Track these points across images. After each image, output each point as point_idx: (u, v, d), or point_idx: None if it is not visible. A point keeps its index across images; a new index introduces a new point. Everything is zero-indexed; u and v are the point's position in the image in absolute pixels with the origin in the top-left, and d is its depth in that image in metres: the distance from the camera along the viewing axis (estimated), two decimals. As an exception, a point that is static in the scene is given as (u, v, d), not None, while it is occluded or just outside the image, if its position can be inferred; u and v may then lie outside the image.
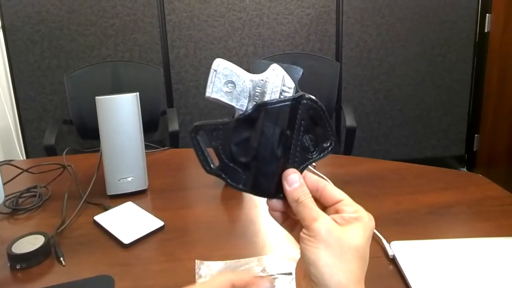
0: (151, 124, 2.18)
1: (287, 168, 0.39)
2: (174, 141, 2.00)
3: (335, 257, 0.34)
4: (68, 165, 1.07)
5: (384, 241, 0.71)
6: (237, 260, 0.69)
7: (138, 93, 0.94)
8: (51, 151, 1.80)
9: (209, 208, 0.90)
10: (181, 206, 0.91)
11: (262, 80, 0.37)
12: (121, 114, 0.92)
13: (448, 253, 0.68)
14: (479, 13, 2.62)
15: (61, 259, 0.71)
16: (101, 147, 0.93)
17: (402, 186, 0.96)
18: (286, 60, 2.40)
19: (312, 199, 0.38)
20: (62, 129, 2.40)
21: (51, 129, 1.93)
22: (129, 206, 0.88)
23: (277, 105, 0.37)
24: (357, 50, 2.59)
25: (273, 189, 0.39)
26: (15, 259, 0.69)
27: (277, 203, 0.40)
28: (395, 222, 0.80)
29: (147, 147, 1.12)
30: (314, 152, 0.40)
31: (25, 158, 2.43)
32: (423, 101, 2.73)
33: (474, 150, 2.80)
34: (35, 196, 0.94)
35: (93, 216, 0.84)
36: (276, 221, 0.42)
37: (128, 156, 0.94)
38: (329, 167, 1.07)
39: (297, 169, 0.39)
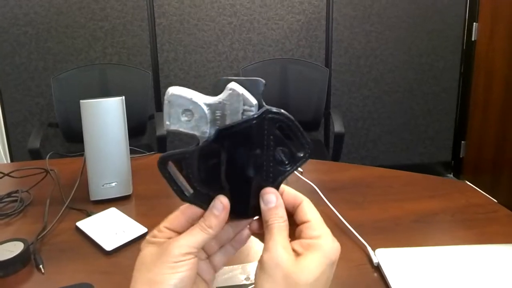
0: (139, 128, 2.17)
1: (262, 186, 0.38)
2: (161, 145, 1.98)
3: None
4: (51, 170, 1.05)
5: (369, 248, 0.71)
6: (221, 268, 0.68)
7: (123, 97, 0.93)
8: (36, 154, 1.77)
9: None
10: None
11: (220, 102, 0.35)
12: (106, 118, 0.91)
13: (432, 260, 0.68)
14: (466, 21, 2.66)
15: (41, 266, 0.69)
16: (85, 151, 0.91)
17: (388, 194, 0.96)
18: (277, 65, 2.40)
19: (281, 224, 0.37)
20: (48, 132, 2.37)
21: (36, 132, 1.91)
22: (112, 212, 0.87)
23: (240, 127, 0.35)
24: (346, 57, 2.61)
25: (250, 210, 0.38)
26: (-8, 266, 0.67)
27: (254, 225, 0.40)
28: (380, 230, 0.80)
29: (133, 151, 1.11)
30: (289, 164, 0.38)
31: (9, 161, 2.39)
32: (411, 108, 2.76)
33: (461, 156, 2.83)
34: (16, 201, 0.92)
35: (76, 222, 0.82)
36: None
37: (112, 161, 0.93)
38: (316, 174, 1.07)
39: (272, 184, 0.38)
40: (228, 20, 2.46)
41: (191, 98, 0.35)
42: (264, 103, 0.37)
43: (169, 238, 0.38)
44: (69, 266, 0.71)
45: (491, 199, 0.96)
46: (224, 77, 0.35)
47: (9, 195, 0.94)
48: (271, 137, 0.36)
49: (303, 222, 0.37)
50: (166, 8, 2.39)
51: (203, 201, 0.38)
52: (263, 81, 0.36)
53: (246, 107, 0.35)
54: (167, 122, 0.34)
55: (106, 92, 2.14)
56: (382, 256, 0.69)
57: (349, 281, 0.65)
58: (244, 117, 0.36)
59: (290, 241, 0.37)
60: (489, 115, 2.55)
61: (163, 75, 2.47)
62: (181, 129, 0.35)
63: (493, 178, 2.52)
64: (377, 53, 2.63)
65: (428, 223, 0.83)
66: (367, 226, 0.81)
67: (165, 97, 0.34)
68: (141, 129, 2.19)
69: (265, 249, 0.35)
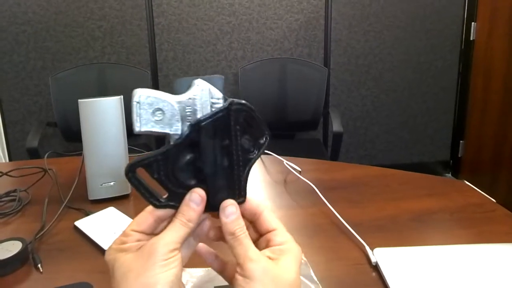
0: (138, 128, 2.16)
1: (238, 175, 0.39)
2: (160, 145, 1.98)
3: None
4: (49, 169, 1.05)
5: (367, 248, 0.71)
6: (219, 267, 0.69)
7: (122, 97, 0.93)
8: (34, 153, 1.77)
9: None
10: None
11: (190, 98, 0.36)
12: (104, 117, 0.91)
13: (430, 260, 0.68)
14: (464, 21, 2.66)
15: (39, 265, 0.69)
16: (83, 150, 0.91)
17: (386, 193, 0.96)
18: (276, 65, 2.40)
19: (247, 234, 0.38)
20: (47, 132, 2.36)
21: (34, 131, 1.91)
22: (111, 212, 0.87)
23: (211, 119, 0.37)
24: (345, 56, 2.61)
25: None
26: (-10, 265, 0.67)
27: (207, 227, 0.41)
28: (378, 229, 0.80)
29: (131, 151, 1.11)
30: (253, 152, 0.40)
31: (7, 160, 2.39)
32: (410, 107, 2.76)
33: (459, 156, 2.83)
34: (14, 200, 0.91)
35: (74, 221, 0.82)
36: (205, 260, 0.43)
37: (110, 160, 0.93)
38: (314, 173, 1.07)
39: (243, 173, 0.39)
40: (227, 20, 2.46)
41: (161, 97, 0.35)
42: (226, 97, 0.38)
43: (139, 240, 0.38)
44: (68, 265, 0.70)
45: (489, 199, 0.97)
46: (182, 78, 0.36)
47: (7, 194, 0.94)
48: (238, 127, 0.38)
49: (269, 231, 0.39)
50: (164, 8, 2.39)
51: (178, 202, 0.38)
52: (223, 76, 0.38)
53: (214, 100, 0.36)
54: (137, 124, 0.34)
55: (105, 92, 2.14)
56: (381, 255, 0.69)
57: (347, 280, 0.65)
58: (213, 109, 0.37)
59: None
60: (487, 114, 2.56)
61: (161, 74, 2.47)
62: (153, 129, 0.35)
63: (492, 177, 2.53)
64: (376, 53, 2.63)
65: (426, 222, 0.83)
66: (365, 225, 0.81)
67: (133, 99, 0.34)
68: (140, 128, 2.19)
69: (245, 259, 0.36)
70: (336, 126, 2.07)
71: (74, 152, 1.22)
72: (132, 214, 0.86)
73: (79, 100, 0.89)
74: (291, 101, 2.36)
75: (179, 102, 0.36)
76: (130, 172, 0.37)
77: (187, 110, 0.36)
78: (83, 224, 0.82)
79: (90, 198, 0.93)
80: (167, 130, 0.36)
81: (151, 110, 0.35)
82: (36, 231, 0.78)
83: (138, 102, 0.34)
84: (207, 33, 2.46)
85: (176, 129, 0.36)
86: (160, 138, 1.97)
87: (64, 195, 0.91)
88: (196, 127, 0.36)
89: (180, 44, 2.45)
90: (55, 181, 0.99)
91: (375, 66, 2.66)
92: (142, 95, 0.34)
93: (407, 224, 0.82)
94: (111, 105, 0.91)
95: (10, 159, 2.41)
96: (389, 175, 1.07)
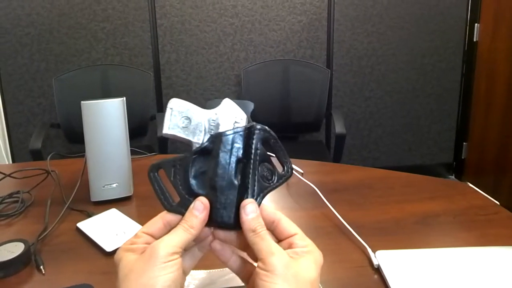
0: (140, 129, 2.17)
1: (245, 197, 0.39)
2: (162, 146, 1.99)
3: None
4: (52, 170, 1.05)
5: (369, 250, 0.71)
6: (221, 269, 0.68)
7: (124, 98, 0.93)
8: (37, 155, 1.77)
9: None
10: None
11: (216, 113, 0.39)
12: (107, 119, 0.91)
13: (433, 262, 0.68)
14: (468, 22, 2.66)
15: (41, 267, 0.69)
16: (86, 152, 0.91)
17: (389, 195, 0.96)
18: (278, 66, 2.40)
19: (268, 232, 0.38)
20: (50, 133, 2.37)
21: (37, 133, 1.91)
22: (113, 213, 0.87)
23: (231, 134, 0.38)
24: (348, 58, 2.61)
25: (233, 219, 0.39)
26: (-8, 267, 0.67)
27: (226, 234, 0.40)
28: (380, 232, 0.80)
29: (134, 152, 1.11)
30: (271, 180, 0.40)
31: (11, 162, 2.40)
32: (413, 109, 2.75)
33: (463, 158, 2.82)
34: (17, 201, 0.92)
35: (76, 223, 0.83)
36: (220, 258, 0.42)
37: (113, 162, 0.93)
38: (316, 175, 1.07)
39: (256, 197, 0.39)
40: (229, 21, 2.46)
41: (191, 108, 0.38)
42: (250, 120, 0.40)
43: (147, 243, 0.38)
44: (70, 266, 0.71)
45: (493, 201, 0.96)
46: (214, 99, 0.37)
47: (10, 195, 0.94)
48: (258, 151, 0.39)
49: (289, 236, 0.39)
50: (167, 9, 2.39)
51: (186, 209, 0.39)
52: (252, 103, 0.40)
53: (237, 119, 0.39)
54: (166, 127, 0.37)
55: (108, 93, 2.15)
56: (383, 258, 0.69)
57: (349, 283, 0.65)
58: (234, 127, 0.39)
59: None
60: (491, 116, 2.55)
61: (164, 76, 2.48)
62: (178, 134, 0.38)
63: (495, 179, 2.51)
64: (379, 54, 2.63)
65: (429, 224, 0.83)
66: (368, 227, 0.81)
67: (168, 105, 0.38)
68: (143, 130, 2.19)
69: (268, 254, 0.36)
70: (338, 127, 2.06)
71: (77, 153, 1.22)
72: (134, 216, 0.86)
73: (82, 102, 0.90)
74: (294, 102, 2.36)
75: (205, 115, 0.39)
76: (152, 171, 0.38)
77: (211, 123, 0.38)
78: (85, 225, 0.82)
79: (93, 199, 0.93)
80: (190, 138, 0.38)
81: (180, 117, 0.38)
82: (38, 232, 0.79)
83: (171, 108, 0.38)
84: (210, 34, 2.46)
85: (198, 138, 0.39)
86: (163, 142, 1.97)
87: (66, 196, 0.91)
88: (215, 138, 0.38)
89: (183, 46, 2.46)
90: (58, 183, 0.99)
91: (378, 67, 2.66)
92: (176, 103, 0.38)
93: (410, 227, 0.82)
94: (114, 106, 0.92)
95: (13, 161, 2.42)
96: (392, 177, 1.06)
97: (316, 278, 0.37)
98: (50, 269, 0.70)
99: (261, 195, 0.39)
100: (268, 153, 0.40)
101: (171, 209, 0.39)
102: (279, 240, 0.40)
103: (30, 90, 2.36)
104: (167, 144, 2.01)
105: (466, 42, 2.69)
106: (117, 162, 0.93)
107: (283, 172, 0.41)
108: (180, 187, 0.38)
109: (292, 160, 1.18)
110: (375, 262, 0.68)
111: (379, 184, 1.03)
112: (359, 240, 0.74)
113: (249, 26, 2.49)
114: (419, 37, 2.64)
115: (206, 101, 2.55)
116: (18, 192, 0.95)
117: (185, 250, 0.41)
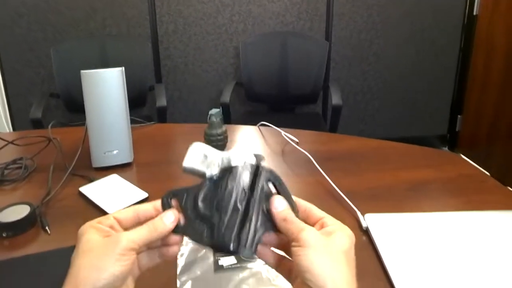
0: (139, 99, 2.18)
1: (251, 230, 0.42)
2: (161, 116, 2.00)
3: (326, 259, 0.37)
4: (53, 138, 1.08)
5: (358, 213, 0.74)
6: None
7: (123, 68, 0.95)
8: (37, 124, 1.79)
9: (194, 181, 0.92)
10: (166, 179, 0.93)
11: (230, 155, 0.44)
12: (106, 88, 0.93)
13: (420, 225, 0.71)
14: (468, -5, 2.63)
15: (47, 228, 0.72)
16: (87, 120, 0.93)
17: (383, 164, 0.99)
18: (277, 38, 2.39)
19: (296, 217, 0.41)
20: (49, 103, 2.38)
21: (37, 102, 1.92)
22: (114, 178, 0.90)
23: (239, 168, 0.43)
24: (347, 31, 2.59)
25: (232, 241, 0.41)
26: (1, 227, 0.71)
27: (270, 236, 0.43)
28: (372, 197, 0.83)
29: (134, 121, 1.13)
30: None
31: (11, 131, 2.41)
32: (411, 82, 2.76)
33: (457, 130, 2.85)
34: (20, 167, 0.95)
35: (78, 187, 0.86)
36: (269, 264, 0.44)
37: (113, 129, 0.95)
38: (312, 144, 1.09)
39: (257, 230, 0.42)
40: (228, -8, 2.43)
41: (209, 148, 0.45)
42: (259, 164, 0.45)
43: (111, 226, 0.41)
44: (73, 227, 0.72)
45: (481, 170, 0.99)
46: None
47: (14, 162, 0.97)
48: (263, 189, 0.43)
49: (319, 219, 0.42)
50: (165, -21, 2.36)
51: (191, 231, 0.43)
52: (264, 157, 0.46)
53: (247, 160, 0.44)
54: (187, 161, 0.44)
55: (106, 64, 2.15)
56: (371, 220, 0.72)
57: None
58: (244, 164, 0.44)
59: None
60: (487, 90, 2.55)
61: (162, 47, 2.46)
62: (195, 167, 0.44)
63: (487, 151, 2.55)
64: (379, 28, 2.61)
65: (420, 191, 0.86)
66: (360, 193, 0.84)
67: (192, 146, 0.45)
68: (142, 100, 2.20)
69: (300, 231, 0.39)
70: (335, 99, 2.08)
71: (77, 122, 1.24)
72: (135, 181, 0.89)
73: (82, 71, 0.91)
74: (292, 74, 2.36)
75: (220, 155, 0.45)
76: (166, 197, 0.43)
77: (224, 161, 0.44)
78: (88, 190, 0.85)
79: (94, 165, 0.96)
80: (205, 171, 0.44)
81: (198, 154, 0.44)
82: (42, 196, 0.82)
83: (194, 147, 0.45)
84: (208, 5, 2.44)
85: (211, 170, 0.44)
86: (162, 112, 1.99)
87: (68, 163, 0.94)
88: (225, 170, 0.43)
89: (181, 16, 2.43)
90: (60, 150, 1.02)
91: (377, 41, 2.64)
92: (197, 144, 0.45)
93: (401, 193, 0.85)
94: (113, 76, 0.93)
95: (14, 130, 2.44)
96: (386, 147, 1.09)
97: (349, 249, 0.39)
98: (55, 229, 0.73)
99: (262, 229, 0.42)
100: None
101: (177, 232, 0.42)
102: (312, 224, 0.43)
103: (29, 60, 2.35)
104: (166, 114, 2.03)
105: (466, 15, 2.66)
106: (117, 129, 0.96)
107: None
108: (188, 211, 0.43)
109: (287, 130, 1.20)
110: (364, 225, 0.71)
111: (373, 153, 1.05)
112: (350, 205, 0.78)
113: (248, -3, 2.46)
114: (419, 11, 2.61)
115: (204, 72, 2.54)
116: (21, 159, 0.98)
117: (149, 249, 0.43)
